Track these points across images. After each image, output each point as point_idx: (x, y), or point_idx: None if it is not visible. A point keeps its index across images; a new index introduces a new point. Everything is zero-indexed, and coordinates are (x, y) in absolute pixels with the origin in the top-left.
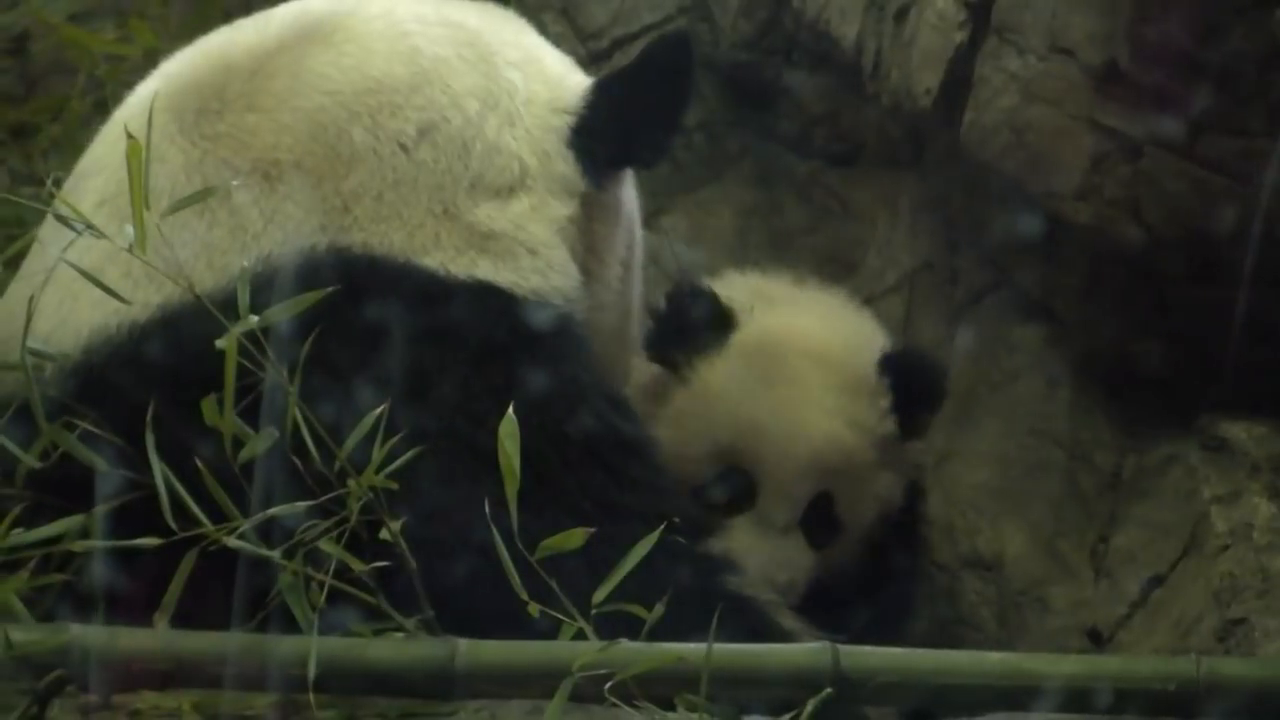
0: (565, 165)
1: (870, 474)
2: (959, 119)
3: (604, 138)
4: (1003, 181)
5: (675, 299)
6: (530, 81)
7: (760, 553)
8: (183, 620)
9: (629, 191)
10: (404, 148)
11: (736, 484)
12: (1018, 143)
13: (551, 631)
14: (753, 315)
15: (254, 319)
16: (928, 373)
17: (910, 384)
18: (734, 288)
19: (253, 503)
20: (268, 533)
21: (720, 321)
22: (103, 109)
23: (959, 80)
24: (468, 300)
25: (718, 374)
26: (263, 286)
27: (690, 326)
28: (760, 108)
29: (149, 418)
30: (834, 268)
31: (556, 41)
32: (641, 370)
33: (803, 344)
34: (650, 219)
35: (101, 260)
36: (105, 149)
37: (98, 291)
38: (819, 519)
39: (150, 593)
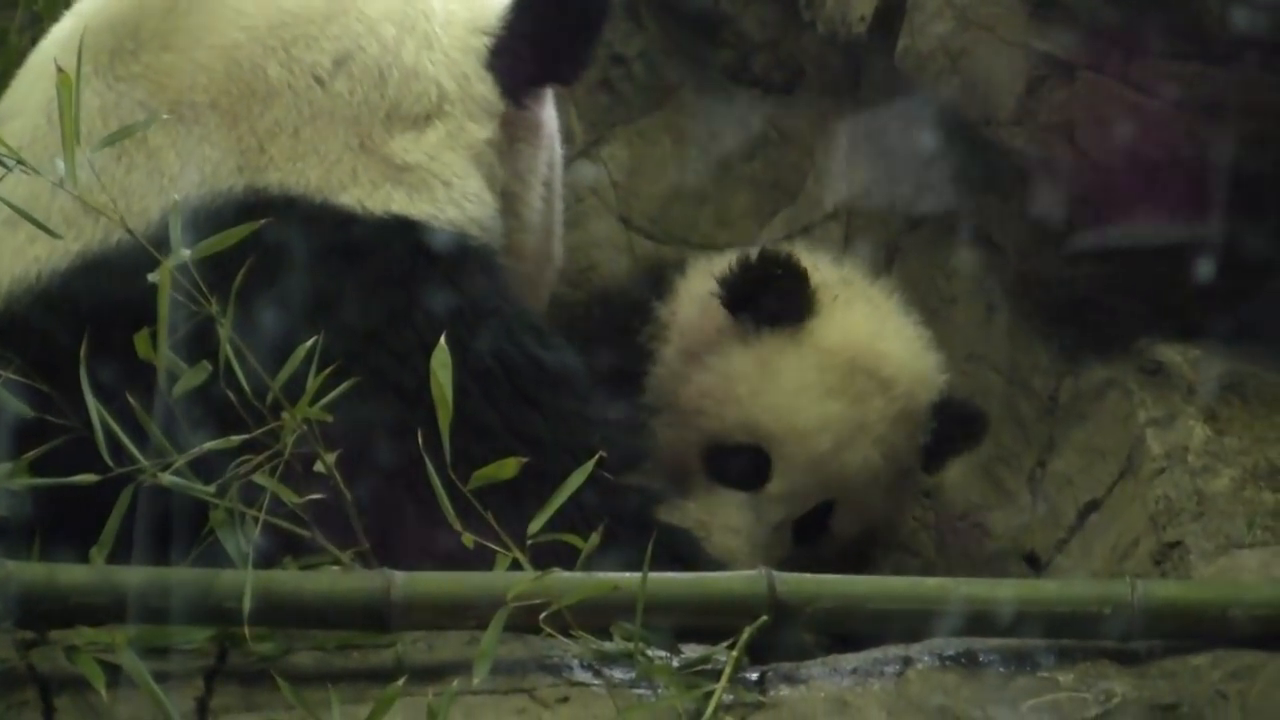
0: (484, 87)
1: (878, 496)
2: (894, 45)
3: (523, 56)
4: (939, 107)
5: (766, 263)
6: (447, 2)
7: (747, 535)
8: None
9: (549, 111)
10: (319, 80)
11: (752, 464)
12: (952, 68)
13: (485, 564)
14: (835, 308)
15: (186, 253)
16: (971, 426)
17: (952, 432)
18: (821, 269)
19: (186, 439)
20: (203, 468)
21: (804, 303)
22: None
23: (894, 6)
24: (385, 236)
25: (784, 356)
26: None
27: (772, 296)
28: (699, 37)
29: (81, 356)
30: (773, 195)
31: None
32: (702, 306)
33: (875, 367)
34: (590, 149)
35: (22, 207)
36: (23, 91)
37: (17, 240)
38: (813, 522)
39: (85, 531)
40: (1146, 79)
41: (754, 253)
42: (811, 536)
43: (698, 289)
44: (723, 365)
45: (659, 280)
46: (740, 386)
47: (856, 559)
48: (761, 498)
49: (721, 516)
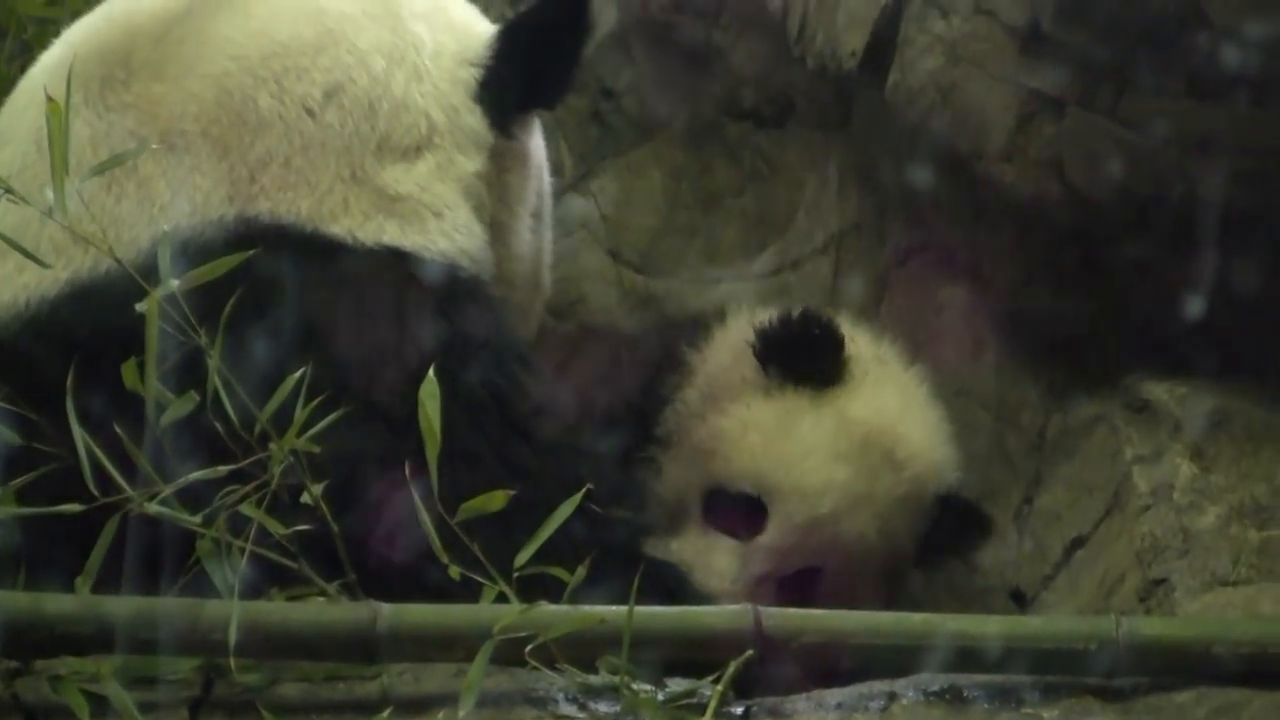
0: (473, 119)
1: (866, 577)
2: (885, 80)
3: (510, 85)
4: (929, 143)
5: (805, 322)
6: (437, 33)
7: (729, 582)
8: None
9: (537, 141)
10: (310, 111)
11: (748, 514)
12: (943, 103)
13: (473, 597)
14: (864, 380)
15: (175, 283)
16: (974, 526)
17: (953, 527)
18: (859, 340)
19: (174, 469)
20: (189, 499)
21: (834, 369)
22: None
23: (884, 42)
24: (376, 267)
25: (803, 415)
26: (171, 259)
27: (804, 355)
28: (689, 70)
29: (68, 385)
30: (762, 229)
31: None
32: (735, 354)
33: (892, 446)
34: (579, 182)
35: (11, 235)
36: (10, 121)
37: (6, 268)
38: (796, 587)
39: (71, 559)
40: (1135, 115)
41: (796, 310)
42: (806, 593)
43: (735, 338)
44: (741, 412)
45: (695, 327)
46: (753, 435)
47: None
48: (751, 548)
49: (708, 559)
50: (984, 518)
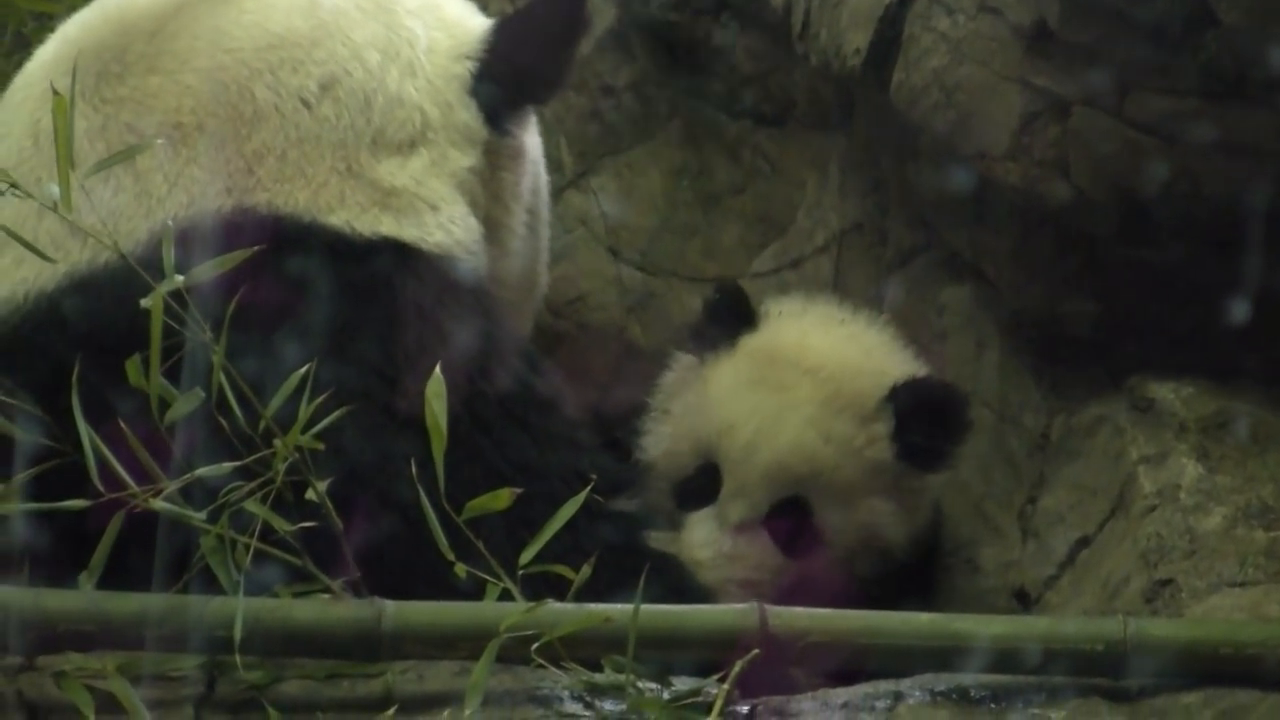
0: (467, 114)
1: (854, 494)
2: (888, 79)
3: (504, 81)
4: (932, 142)
5: (712, 296)
6: (431, 29)
7: (714, 545)
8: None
9: (532, 137)
10: (306, 104)
11: (704, 478)
12: (947, 102)
13: (476, 593)
14: (771, 321)
15: (179, 278)
16: (939, 404)
17: (917, 413)
18: (788, 301)
19: (177, 465)
20: (192, 495)
21: (742, 321)
22: None
23: (888, 40)
24: (375, 258)
25: (720, 372)
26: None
27: (716, 324)
28: (690, 68)
29: (73, 380)
30: (763, 228)
31: (488, 1)
32: (681, 362)
33: (800, 356)
34: (579, 179)
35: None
36: (7, 115)
37: (4, 261)
38: (791, 526)
39: (75, 556)
40: (1141, 115)
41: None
42: (801, 546)
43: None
44: (681, 406)
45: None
46: (690, 417)
47: (906, 580)
48: (719, 506)
49: (688, 537)
50: (942, 390)
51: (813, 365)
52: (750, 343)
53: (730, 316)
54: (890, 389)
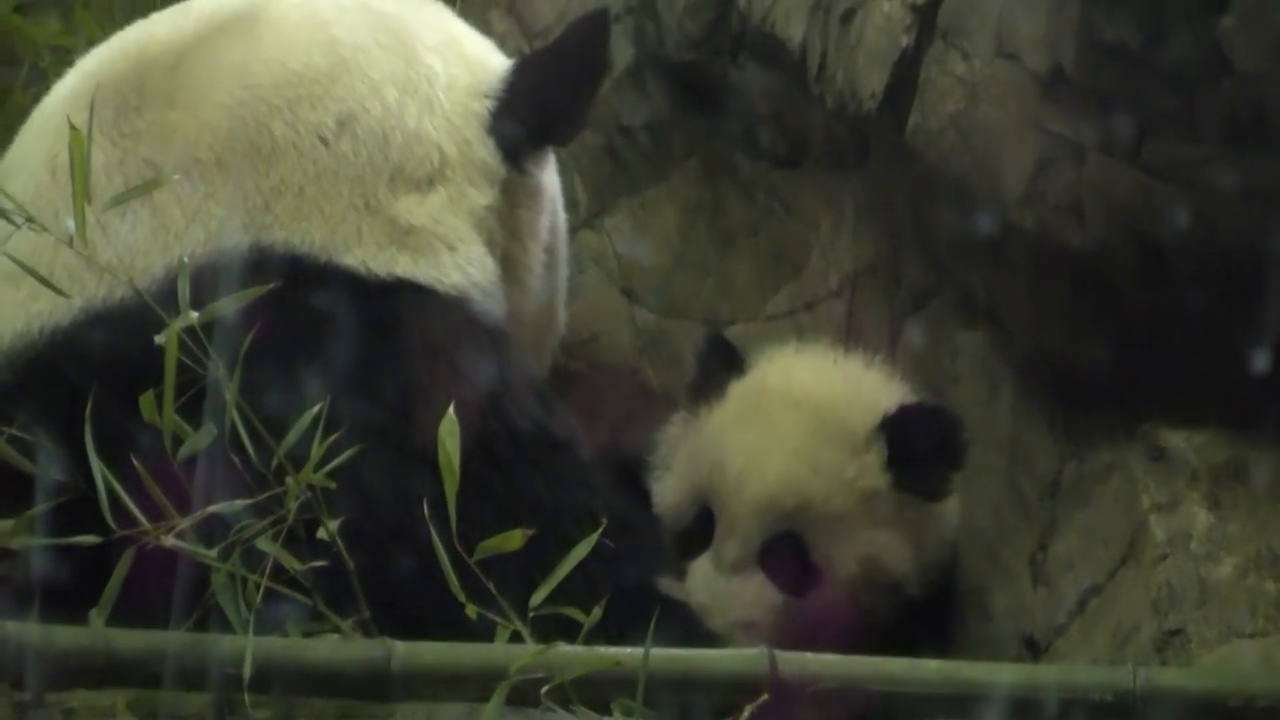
0: (485, 152)
1: (850, 527)
2: (904, 122)
3: (524, 119)
4: (947, 185)
5: (700, 347)
6: (450, 66)
7: (711, 588)
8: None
9: (551, 175)
10: (324, 140)
11: (701, 524)
12: (963, 146)
13: (486, 632)
14: (760, 364)
15: (194, 314)
16: (933, 428)
17: (911, 439)
18: (784, 349)
19: (191, 502)
20: (206, 533)
21: (731, 368)
22: None
23: (905, 83)
24: (389, 299)
25: (712, 417)
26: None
27: (706, 374)
28: (706, 108)
29: (86, 415)
30: (777, 269)
31: (502, 38)
32: (679, 419)
33: (787, 391)
34: (594, 218)
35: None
36: (26, 148)
37: (19, 295)
38: (787, 562)
39: (85, 591)
40: (1157, 162)
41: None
42: (801, 583)
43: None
44: (680, 457)
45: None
46: (686, 465)
47: (922, 620)
48: (715, 547)
49: (690, 583)
50: (935, 412)
51: (799, 399)
52: (739, 386)
53: (719, 365)
54: (882, 418)
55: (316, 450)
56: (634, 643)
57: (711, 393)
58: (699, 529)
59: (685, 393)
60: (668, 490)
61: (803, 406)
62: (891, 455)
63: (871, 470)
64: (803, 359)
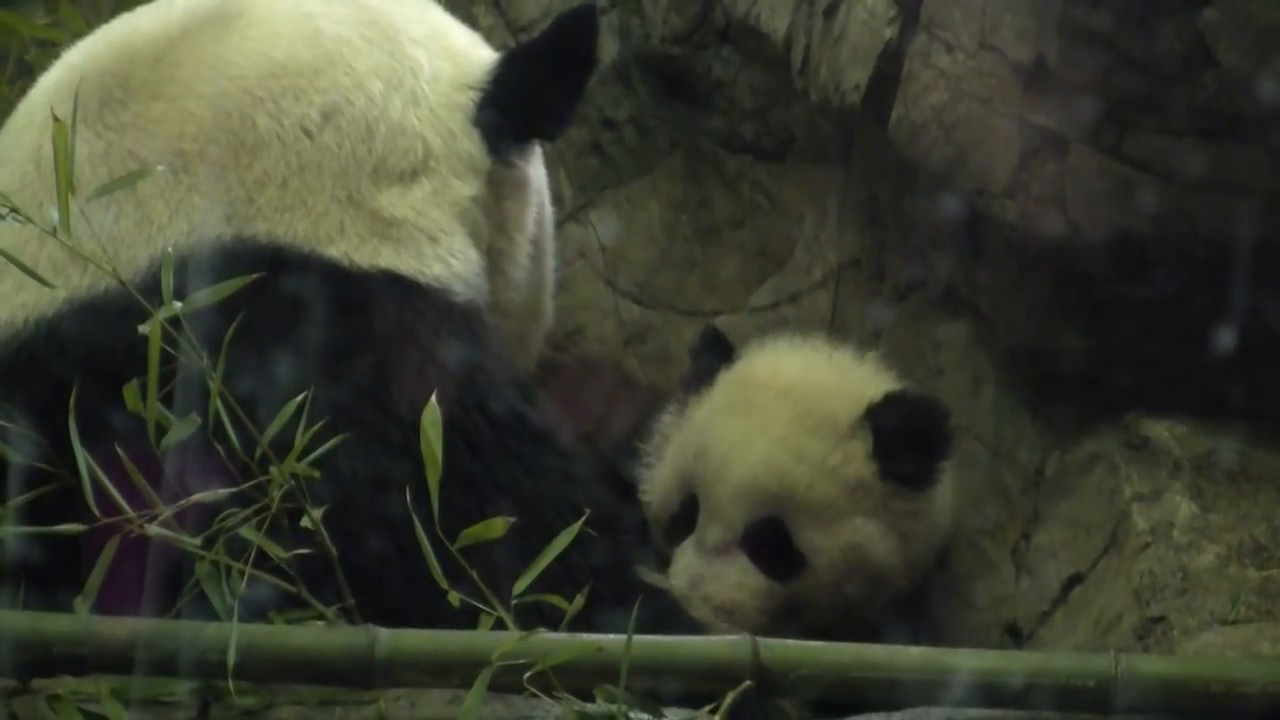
0: (470, 143)
1: (834, 514)
2: (888, 115)
3: (509, 112)
4: (930, 177)
5: (695, 342)
6: (434, 58)
7: (693, 570)
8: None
9: (538, 168)
10: (308, 133)
11: (686, 509)
12: (946, 139)
13: (469, 620)
14: (748, 354)
15: (178, 305)
16: (918, 418)
17: (896, 429)
18: (772, 342)
19: (173, 490)
20: (189, 520)
21: (721, 359)
22: None
23: (888, 76)
24: (371, 290)
25: (700, 406)
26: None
27: (697, 365)
28: (690, 102)
29: (71, 405)
30: (761, 262)
31: (488, 34)
32: (671, 410)
33: (773, 379)
34: (579, 211)
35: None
36: (10, 141)
37: (4, 285)
38: (771, 548)
39: (66, 579)
40: (1140, 154)
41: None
42: (783, 568)
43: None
44: (669, 448)
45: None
46: (675, 454)
47: (909, 609)
48: (697, 531)
49: (673, 566)
50: (920, 403)
51: (785, 387)
52: (727, 375)
53: (710, 356)
54: (867, 407)
55: (300, 439)
56: (616, 631)
57: (703, 382)
58: (684, 514)
59: (678, 384)
60: (656, 479)
61: (788, 395)
62: (877, 444)
63: (856, 458)
64: (790, 349)
